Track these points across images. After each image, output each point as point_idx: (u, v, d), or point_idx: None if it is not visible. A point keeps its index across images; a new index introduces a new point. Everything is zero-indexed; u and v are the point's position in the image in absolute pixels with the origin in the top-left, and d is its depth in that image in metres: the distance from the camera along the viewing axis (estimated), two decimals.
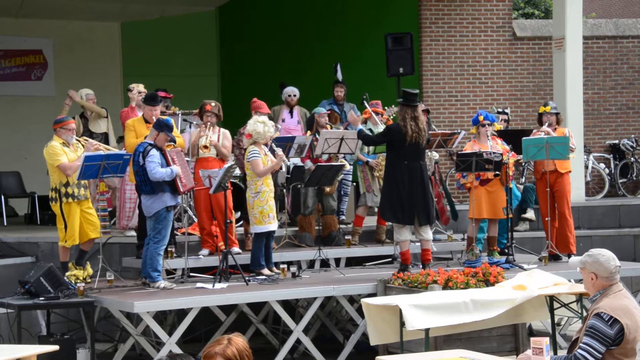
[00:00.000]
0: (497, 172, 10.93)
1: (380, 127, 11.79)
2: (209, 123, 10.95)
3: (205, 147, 10.88)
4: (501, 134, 11.85)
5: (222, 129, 11.15)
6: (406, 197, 10.11)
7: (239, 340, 4.29)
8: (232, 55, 19.44)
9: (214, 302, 9.86)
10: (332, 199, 11.94)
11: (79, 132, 12.03)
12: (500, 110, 13.20)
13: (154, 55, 18.76)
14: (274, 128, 10.50)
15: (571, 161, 11.70)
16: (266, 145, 10.46)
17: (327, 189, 11.69)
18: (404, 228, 10.27)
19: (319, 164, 11.43)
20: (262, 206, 10.29)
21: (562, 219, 11.55)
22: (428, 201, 10.24)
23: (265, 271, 10.44)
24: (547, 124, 11.55)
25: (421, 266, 10.43)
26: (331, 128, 11.96)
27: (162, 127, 9.93)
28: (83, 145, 10.42)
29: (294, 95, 13.16)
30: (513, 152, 11.24)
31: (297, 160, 11.98)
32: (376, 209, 12.22)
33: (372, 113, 12.04)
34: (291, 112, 13.12)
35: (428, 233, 10.38)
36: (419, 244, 10.63)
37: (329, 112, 12.31)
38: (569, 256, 11.04)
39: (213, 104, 11.09)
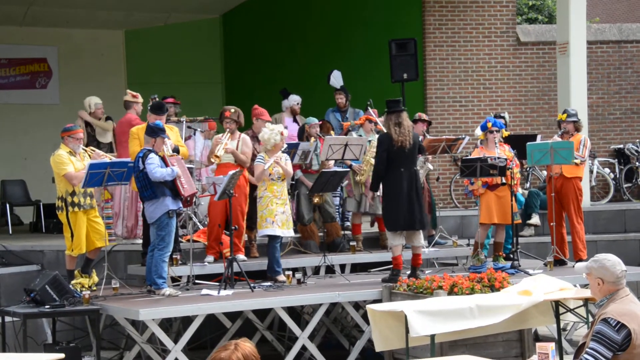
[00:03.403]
0: (505, 182, 10.97)
1: (373, 136, 11.79)
2: (227, 130, 10.98)
3: (217, 156, 10.87)
4: (505, 139, 11.84)
5: (242, 135, 11.14)
6: (406, 205, 10.15)
7: (247, 346, 4.28)
8: (236, 62, 19.46)
9: (220, 309, 9.85)
10: (329, 206, 11.90)
11: (85, 142, 12.04)
12: (496, 114, 13.15)
13: (158, 63, 18.81)
14: (281, 135, 10.49)
15: (583, 169, 11.66)
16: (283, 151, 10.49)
17: (315, 200, 11.67)
18: (398, 233, 10.30)
19: (323, 170, 11.43)
20: (262, 211, 10.36)
21: (570, 227, 11.53)
22: (422, 207, 10.32)
23: (280, 277, 10.42)
24: (559, 133, 11.58)
25: (410, 270, 10.44)
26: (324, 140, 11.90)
27: (156, 132, 9.97)
28: (89, 156, 10.42)
29: (299, 104, 13.19)
30: (517, 162, 11.24)
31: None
32: (374, 217, 12.20)
33: (376, 119, 12.04)
34: (296, 120, 13.13)
35: (420, 240, 10.43)
36: (427, 249, 10.66)
37: (320, 122, 12.29)
38: (580, 261, 11.01)
39: (232, 110, 11.09)
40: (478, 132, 11.40)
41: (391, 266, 11.51)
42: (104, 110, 13.26)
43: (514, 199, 11.20)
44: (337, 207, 12.28)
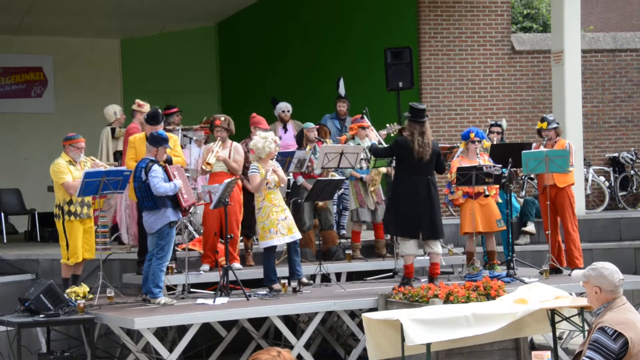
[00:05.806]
0: (487, 194, 10.99)
1: (367, 142, 11.80)
2: (218, 139, 10.97)
3: (208, 163, 10.85)
4: (497, 147, 11.85)
5: (234, 143, 11.13)
6: (410, 211, 10.14)
7: (289, 356, 4.33)
8: (231, 70, 19.47)
9: (215, 318, 9.83)
10: (329, 214, 11.91)
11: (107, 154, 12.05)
12: (493, 122, 13.12)
13: (154, 71, 18.82)
14: (274, 144, 10.48)
15: (574, 174, 11.67)
16: (273, 159, 10.46)
17: (320, 204, 11.65)
18: (409, 241, 10.28)
19: (318, 178, 11.42)
20: (263, 222, 10.28)
21: (565, 234, 11.53)
22: (434, 215, 10.24)
23: (276, 286, 10.39)
24: (544, 142, 11.57)
25: (428, 279, 10.42)
26: (323, 143, 11.91)
27: (159, 141, 9.94)
28: (90, 165, 10.39)
29: (288, 111, 13.17)
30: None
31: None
32: (372, 224, 12.20)
33: (369, 124, 12.06)
34: (285, 128, 13.10)
35: (437, 247, 10.39)
36: (425, 257, 10.62)
37: (317, 126, 12.29)
38: (577, 269, 11.00)
39: (222, 119, 11.09)
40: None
41: (387, 274, 11.54)
42: (125, 116, 13.30)
43: (509, 204, 11.22)
44: (334, 215, 12.28)
